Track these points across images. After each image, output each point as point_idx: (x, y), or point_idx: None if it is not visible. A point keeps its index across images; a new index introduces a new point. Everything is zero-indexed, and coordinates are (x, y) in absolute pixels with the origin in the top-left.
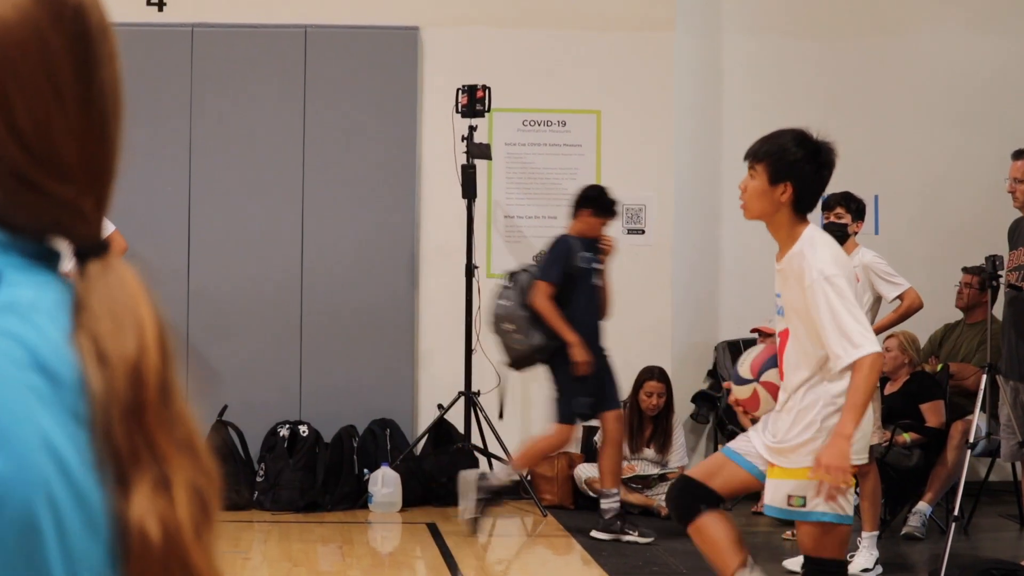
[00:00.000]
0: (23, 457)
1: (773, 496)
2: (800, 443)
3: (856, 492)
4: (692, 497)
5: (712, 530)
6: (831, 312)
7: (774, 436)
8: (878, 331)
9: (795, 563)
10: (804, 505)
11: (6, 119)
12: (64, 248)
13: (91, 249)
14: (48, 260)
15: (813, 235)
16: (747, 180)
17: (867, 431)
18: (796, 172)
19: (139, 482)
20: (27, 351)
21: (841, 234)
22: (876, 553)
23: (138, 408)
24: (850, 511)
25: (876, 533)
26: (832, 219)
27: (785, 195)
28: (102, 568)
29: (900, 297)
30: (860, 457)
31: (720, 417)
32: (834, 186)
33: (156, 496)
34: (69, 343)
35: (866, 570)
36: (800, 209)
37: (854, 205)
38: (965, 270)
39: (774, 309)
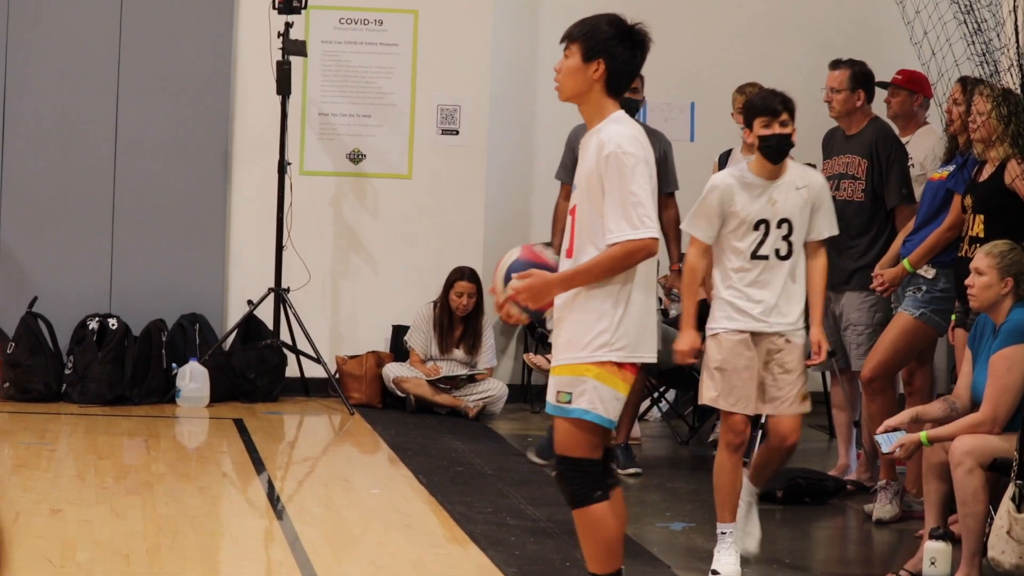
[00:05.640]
0: None
1: (549, 392)
2: (567, 339)
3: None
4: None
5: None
6: (621, 186)
7: (557, 335)
8: None
9: None
10: (569, 401)
11: None
12: None
13: None
14: None
15: (620, 115)
16: (562, 61)
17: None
18: (608, 49)
19: None
20: None
21: (789, 146)
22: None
23: None
24: (613, 416)
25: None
26: (778, 129)
27: (598, 72)
28: None
29: None
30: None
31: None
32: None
33: None
34: None
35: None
36: (612, 88)
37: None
38: None
39: None
